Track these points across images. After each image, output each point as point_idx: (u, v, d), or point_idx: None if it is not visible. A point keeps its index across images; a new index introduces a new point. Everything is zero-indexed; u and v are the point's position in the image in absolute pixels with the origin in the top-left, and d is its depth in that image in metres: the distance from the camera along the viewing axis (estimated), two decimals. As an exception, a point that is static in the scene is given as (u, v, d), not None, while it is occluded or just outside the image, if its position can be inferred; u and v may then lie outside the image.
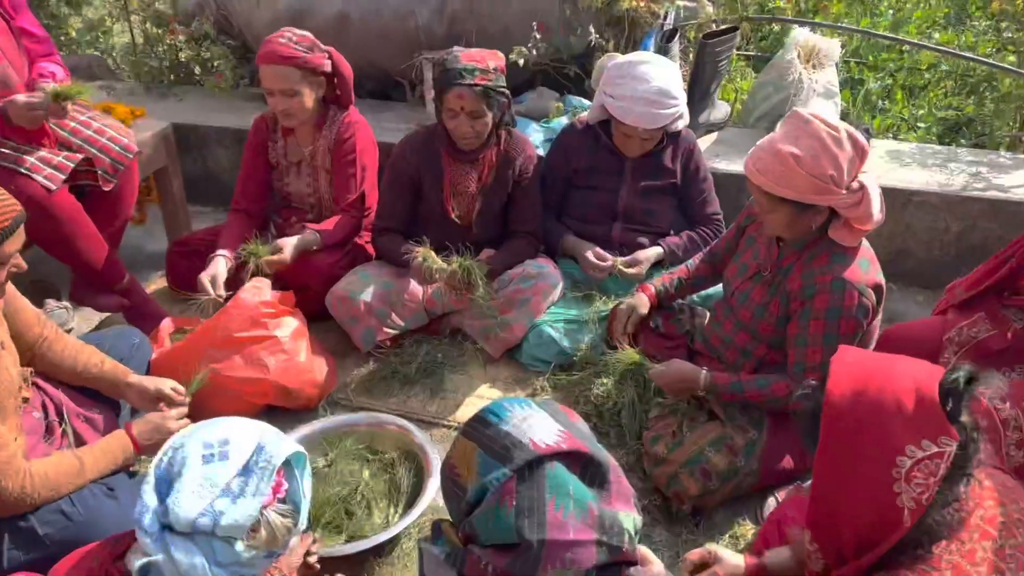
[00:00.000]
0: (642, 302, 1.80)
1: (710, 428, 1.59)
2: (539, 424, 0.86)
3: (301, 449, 0.99)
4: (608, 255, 1.97)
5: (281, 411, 1.82)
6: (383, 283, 2.01)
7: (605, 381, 1.79)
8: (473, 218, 2.05)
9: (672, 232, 2.10)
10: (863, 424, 0.81)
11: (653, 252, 2.02)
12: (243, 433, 0.94)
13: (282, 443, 0.96)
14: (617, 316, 1.78)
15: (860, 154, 1.38)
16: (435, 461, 1.54)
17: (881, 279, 1.46)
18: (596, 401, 1.79)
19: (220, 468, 0.90)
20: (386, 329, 1.98)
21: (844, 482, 0.80)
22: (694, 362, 1.69)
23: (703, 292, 1.92)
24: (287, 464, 0.97)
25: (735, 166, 2.36)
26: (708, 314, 1.85)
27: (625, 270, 1.97)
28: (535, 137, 2.40)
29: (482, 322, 1.97)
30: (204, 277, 1.79)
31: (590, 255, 1.98)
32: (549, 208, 2.14)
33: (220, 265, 1.87)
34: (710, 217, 2.11)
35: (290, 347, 1.80)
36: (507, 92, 1.89)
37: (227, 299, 1.74)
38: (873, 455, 0.79)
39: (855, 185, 1.39)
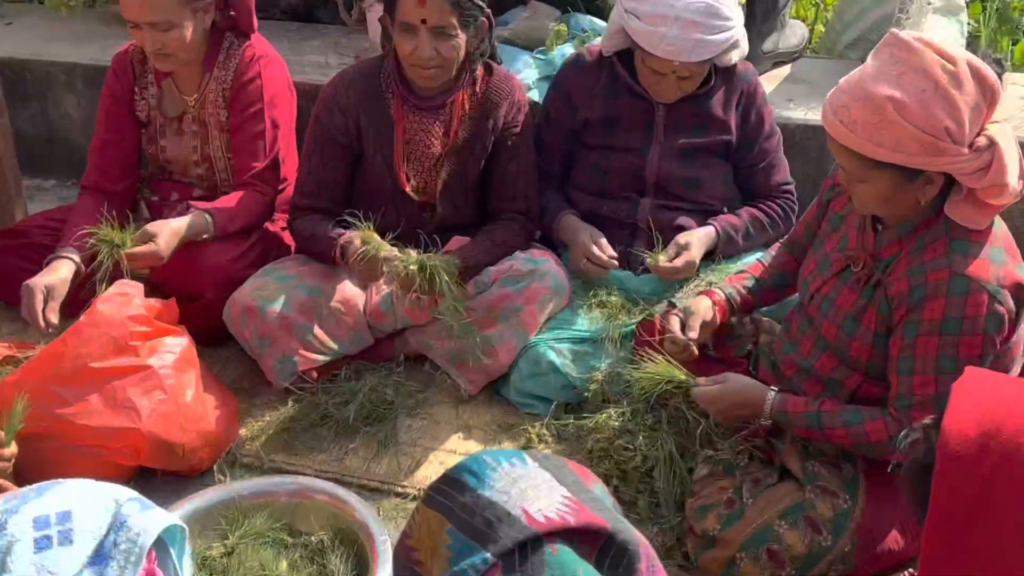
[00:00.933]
0: (703, 306, 1.81)
1: (782, 492, 1.62)
2: (537, 488, 0.87)
3: (178, 521, 0.97)
4: (608, 247, 1.99)
5: (159, 476, 1.84)
6: (307, 288, 2.04)
7: (631, 426, 1.83)
8: (437, 191, 2.09)
9: (724, 210, 2.13)
10: (994, 481, 0.83)
11: (704, 234, 2.04)
12: (91, 502, 0.91)
13: (150, 515, 0.93)
14: (668, 322, 1.78)
15: (989, 96, 1.39)
16: (384, 545, 1.55)
17: (1022, 275, 1.48)
18: (618, 456, 1.83)
19: (62, 555, 0.86)
20: (311, 355, 2.02)
21: (966, 561, 0.82)
22: None
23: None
24: (160, 545, 0.94)
25: (815, 114, 2.40)
26: (778, 328, 1.89)
27: (666, 264, 1.99)
28: (527, 75, 2.42)
29: (453, 343, 2.00)
30: (32, 296, 1.77)
31: (586, 241, 1.99)
32: (548, 177, 2.19)
33: (61, 271, 1.85)
34: (779, 189, 2.17)
35: (172, 382, 1.81)
36: (487, 9, 1.92)
37: (66, 326, 1.72)
38: (1010, 523, 0.81)
39: (982, 141, 1.40)
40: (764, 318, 1.97)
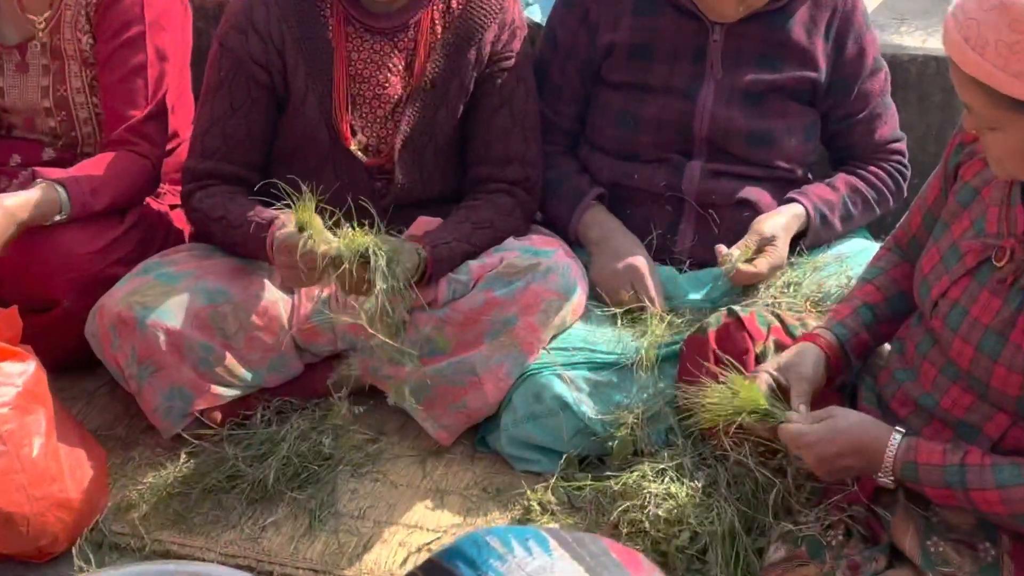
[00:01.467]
0: (809, 361, 1.81)
1: None
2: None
3: None
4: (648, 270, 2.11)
5: (-4, 562, 1.85)
6: (207, 291, 2.04)
7: (675, 488, 1.87)
8: (395, 151, 2.11)
9: (806, 176, 2.17)
10: None
11: (792, 217, 2.08)
12: None
13: None
14: (758, 386, 1.78)
15: None
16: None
17: None
18: (656, 531, 1.85)
19: None
20: (214, 388, 2.03)
21: None
22: None
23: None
24: None
25: (936, 40, 2.46)
26: (887, 349, 1.92)
27: (748, 268, 2.05)
28: (524, -15, 2.54)
29: (419, 372, 2.03)
30: None
31: (642, 269, 2.08)
32: (555, 131, 2.22)
33: None
34: (886, 148, 2.21)
35: (11, 428, 1.80)
36: None
37: None
38: None
39: None
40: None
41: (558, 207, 2.24)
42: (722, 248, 2.08)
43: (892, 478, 1.66)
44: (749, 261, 2.08)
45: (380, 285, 1.85)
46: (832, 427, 1.69)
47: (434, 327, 2.05)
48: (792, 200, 2.13)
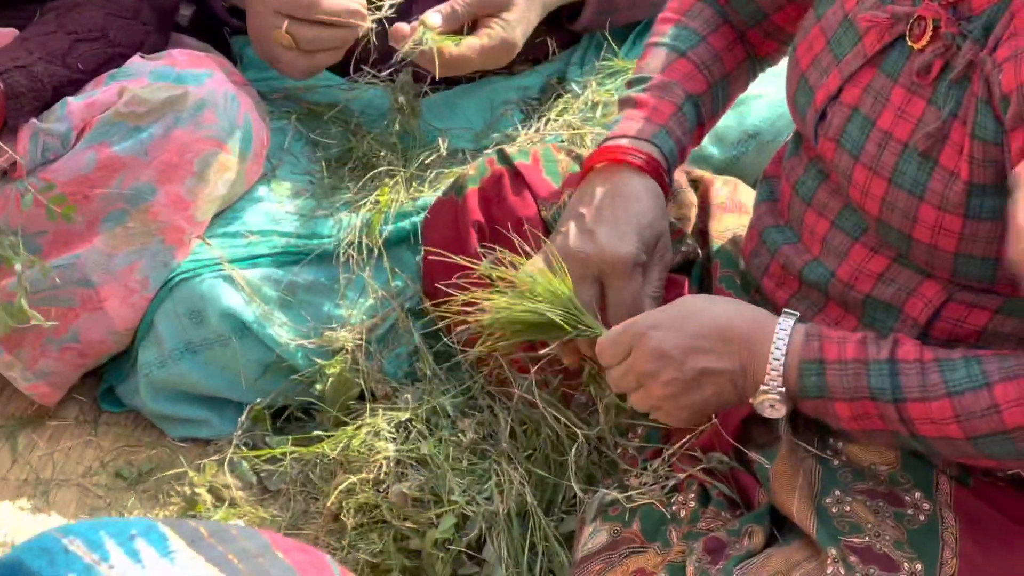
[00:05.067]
0: (644, 201, 1.63)
1: (774, 566, 1.43)
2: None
3: None
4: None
5: None
6: None
7: (426, 446, 1.66)
8: None
9: None
10: None
11: None
12: None
13: None
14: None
15: None
16: None
17: None
18: (401, 514, 1.63)
19: None
20: None
21: None
22: None
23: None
24: None
25: None
26: (744, 196, 1.78)
27: (448, 51, 1.84)
28: None
29: None
30: None
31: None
32: None
33: None
34: None
35: None
36: None
37: None
38: None
39: None
40: (710, 174, 1.81)
41: None
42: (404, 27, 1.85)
43: (781, 393, 1.42)
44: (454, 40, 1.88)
45: None
46: (679, 308, 1.49)
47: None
48: None
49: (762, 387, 1.42)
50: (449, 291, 1.61)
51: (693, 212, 1.78)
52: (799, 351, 1.41)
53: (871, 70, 1.43)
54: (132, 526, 0.82)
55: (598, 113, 1.95)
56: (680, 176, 1.79)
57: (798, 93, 1.53)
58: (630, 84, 1.74)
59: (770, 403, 1.43)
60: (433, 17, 1.85)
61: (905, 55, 1.40)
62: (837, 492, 1.43)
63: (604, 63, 2.01)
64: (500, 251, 1.60)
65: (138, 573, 0.79)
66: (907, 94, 1.40)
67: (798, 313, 1.46)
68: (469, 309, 1.57)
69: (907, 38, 1.39)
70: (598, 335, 1.49)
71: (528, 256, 1.61)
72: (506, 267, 1.57)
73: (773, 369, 1.41)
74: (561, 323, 1.52)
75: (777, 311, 1.50)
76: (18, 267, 1.68)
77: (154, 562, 0.79)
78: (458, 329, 1.64)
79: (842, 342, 1.42)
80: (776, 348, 1.41)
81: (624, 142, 1.61)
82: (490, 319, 1.55)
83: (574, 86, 1.97)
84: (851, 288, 1.49)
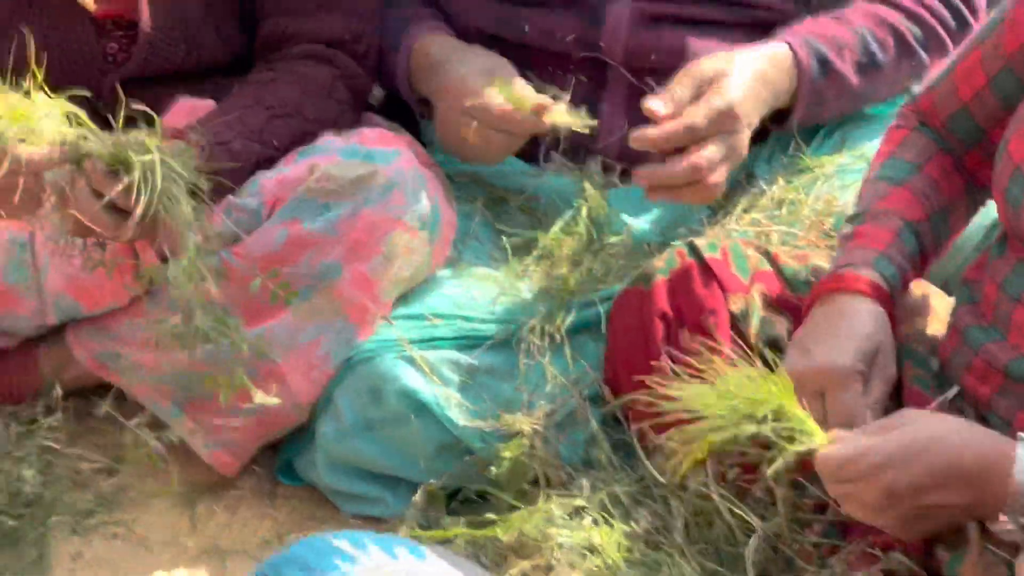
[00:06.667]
0: (870, 324, 1.61)
1: None
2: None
3: None
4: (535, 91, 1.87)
5: None
6: None
7: (601, 535, 1.63)
8: None
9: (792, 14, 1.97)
10: None
11: (760, 55, 1.87)
12: None
13: None
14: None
15: None
16: None
17: None
18: None
19: None
20: None
21: None
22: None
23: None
24: None
25: None
26: (937, 303, 1.76)
27: (668, 118, 1.78)
28: None
29: (182, 359, 1.79)
30: None
31: (473, 75, 1.89)
32: None
33: None
34: None
35: None
36: None
37: None
38: None
39: None
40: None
41: (392, 62, 1.97)
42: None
43: (1021, 523, 1.41)
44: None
45: (184, 212, 1.65)
46: (910, 441, 1.43)
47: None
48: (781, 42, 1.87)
49: (999, 522, 1.40)
50: (640, 382, 1.58)
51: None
52: None
53: None
54: (396, 540, 0.95)
55: (784, 210, 1.95)
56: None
57: (1011, 187, 1.50)
58: (848, 220, 1.75)
59: (1008, 532, 1.41)
60: (654, 103, 1.82)
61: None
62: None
63: (791, 160, 2.00)
64: (699, 342, 1.58)
65: (392, 565, 0.92)
66: None
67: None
68: (660, 401, 1.53)
69: None
70: (815, 446, 1.45)
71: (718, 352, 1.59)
72: (700, 361, 1.52)
73: (1013, 503, 1.39)
74: (783, 424, 1.49)
75: (979, 407, 1.53)
76: (236, 339, 1.72)
77: (406, 556, 0.94)
78: (646, 423, 1.61)
79: None
80: (1017, 480, 1.39)
81: (844, 271, 1.64)
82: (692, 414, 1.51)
83: (761, 183, 1.97)
84: None
